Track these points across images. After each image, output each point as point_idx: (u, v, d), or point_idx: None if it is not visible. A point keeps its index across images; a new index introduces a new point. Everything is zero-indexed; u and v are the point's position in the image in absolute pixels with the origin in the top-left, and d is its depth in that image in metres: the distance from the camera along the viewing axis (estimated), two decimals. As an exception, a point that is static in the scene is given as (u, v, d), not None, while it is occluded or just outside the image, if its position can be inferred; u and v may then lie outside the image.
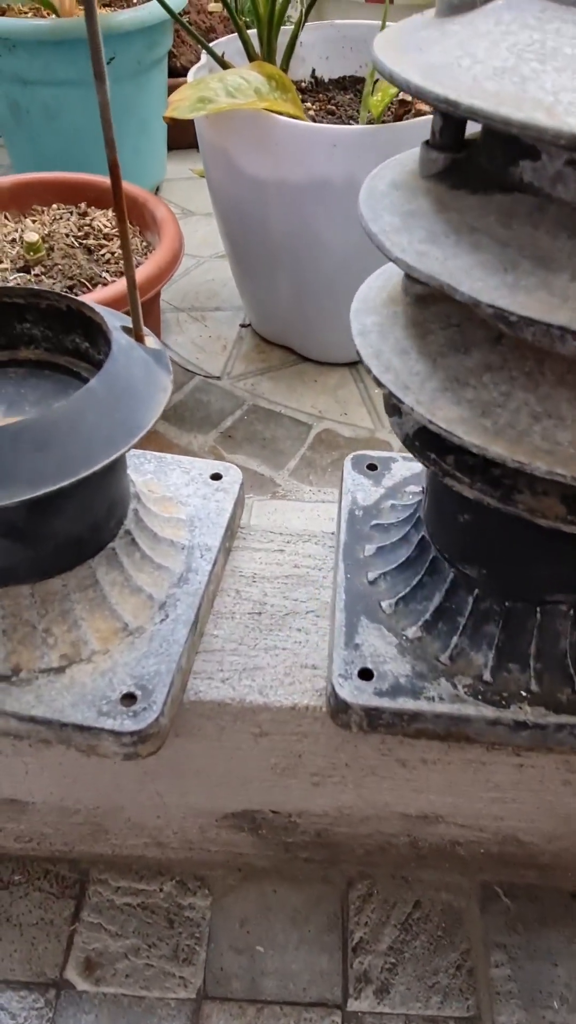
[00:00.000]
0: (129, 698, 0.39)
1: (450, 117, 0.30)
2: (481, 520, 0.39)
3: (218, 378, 0.84)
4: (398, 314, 0.34)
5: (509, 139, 0.28)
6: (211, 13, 1.28)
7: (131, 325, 0.39)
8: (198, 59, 0.85)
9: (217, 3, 1.28)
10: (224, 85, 0.61)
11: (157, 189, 1.30)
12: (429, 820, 0.51)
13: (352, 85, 0.89)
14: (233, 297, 0.94)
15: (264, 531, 0.53)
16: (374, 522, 0.49)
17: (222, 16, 1.26)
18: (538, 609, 0.40)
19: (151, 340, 0.40)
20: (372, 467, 0.54)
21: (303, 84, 0.87)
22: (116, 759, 0.39)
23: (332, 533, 0.52)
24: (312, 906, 0.57)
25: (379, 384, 0.32)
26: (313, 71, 0.89)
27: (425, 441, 0.36)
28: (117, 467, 0.40)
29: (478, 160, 0.30)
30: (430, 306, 0.34)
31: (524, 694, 0.40)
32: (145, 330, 0.40)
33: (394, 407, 0.38)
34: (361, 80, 0.89)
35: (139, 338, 0.39)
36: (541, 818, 0.50)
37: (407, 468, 0.53)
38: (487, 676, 0.40)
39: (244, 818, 0.52)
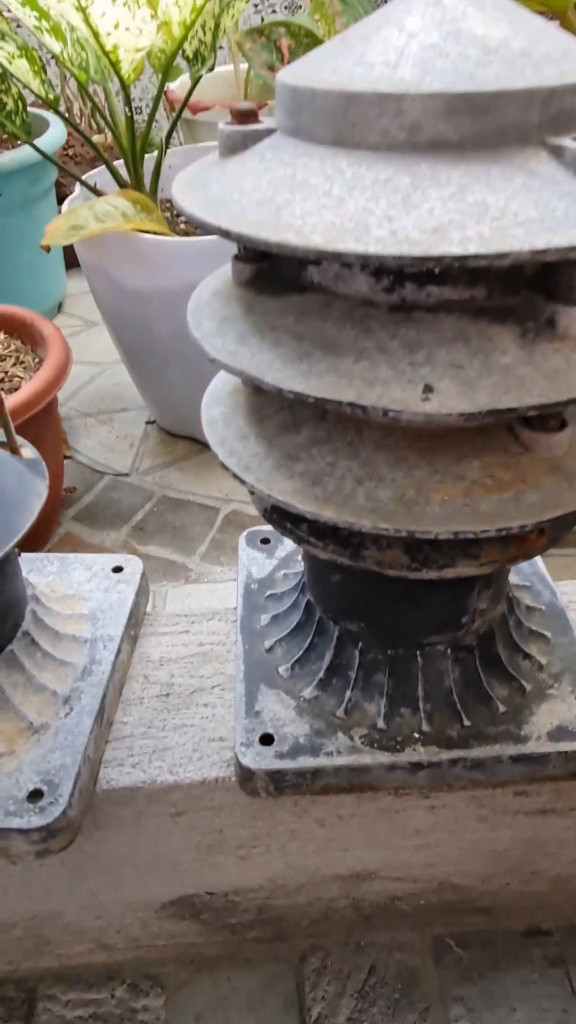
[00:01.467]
0: (36, 795, 0.40)
1: (250, 235, 0.34)
2: (349, 578, 0.42)
3: (127, 475, 0.88)
4: (240, 403, 0.38)
5: (298, 249, 0.33)
6: (97, 143, 1.39)
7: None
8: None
9: (100, 135, 1.39)
10: (93, 212, 0.67)
11: (60, 305, 1.36)
12: (362, 878, 0.52)
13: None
14: (137, 398, 0.99)
15: (169, 615, 0.55)
16: (268, 592, 0.52)
17: (106, 145, 1.37)
18: (418, 653, 0.43)
19: (27, 451, 0.43)
20: (265, 541, 0.57)
21: (177, 200, 0.94)
22: (29, 858, 0.39)
23: (235, 608, 0.55)
24: (267, 988, 0.57)
25: (225, 467, 0.36)
26: (185, 188, 0.97)
27: (280, 513, 0.39)
28: (5, 572, 0.42)
29: (279, 267, 0.35)
30: (265, 393, 0.38)
31: (417, 736, 0.42)
32: (21, 441, 0.43)
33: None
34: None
35: (14, 450, 0.42)
36: (468, 859, 0.51)
37: (298, 538, 0.57)
38: (381, 724, 0.43)
39: (182, 905, 0.52)
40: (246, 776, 0.42)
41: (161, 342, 0.79)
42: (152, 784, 0.44)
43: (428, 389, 0.28)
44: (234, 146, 0.32)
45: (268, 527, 0.59)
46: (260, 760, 0.41)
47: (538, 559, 0.55)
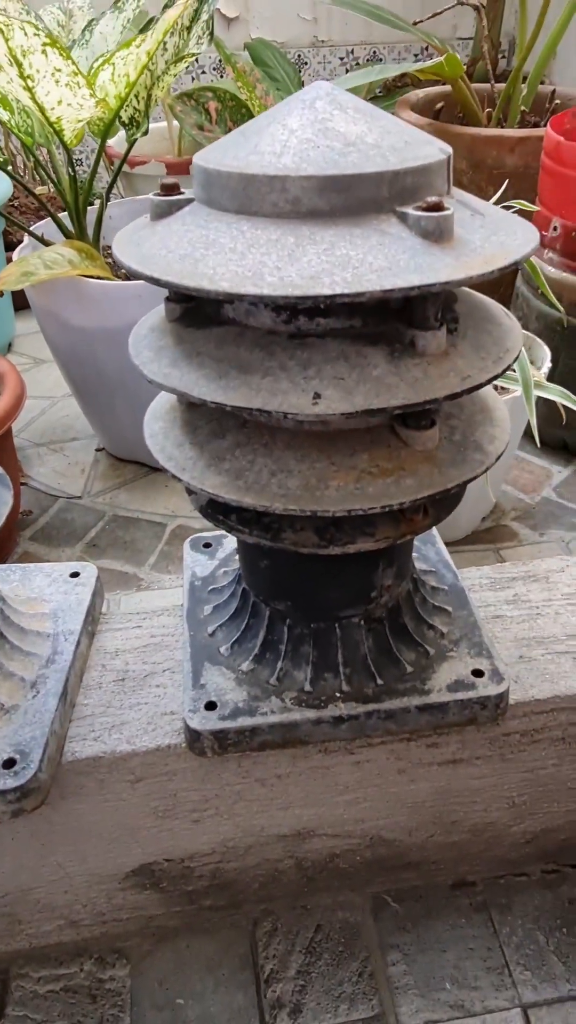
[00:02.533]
0: (9, 763, 0.46)
1: (178, 281, 0.43)
2: (275, 563, 0.50)
3: (79, 497, 0.94)
4: (176, 418, 0.46)
5: (216, 291, 0.41)
6: (40, 195, 1.47)
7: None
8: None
9: (44, 187, 1.47)
10: (42, 260, 0.75)
11: (10, 345, 1.43)
12: (303, 836, 0.58)
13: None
14: (86, 427, 1.06)
15: (123, 614, 0.62)
16: (211, 587, 0.59)
17: (49, 196, 1.45)
18: (337, 626, 0.51)
19: (-7, 467, 0.49)
20: (207, 545, 0.64)
21: (118, 247, 1.03)
22: (5, 818, 0.45)
23: (182, 605, 0.62)
24: (224, 951, 0.63)
25: (165, 470, 0.43)
26: (125, 236, 1.06)
27: (214, 509, 0.47)
28: (-23, 572, 0.49)
29: (202, 306, 0.43)
30: (197, 408, 0.46)
31: (338, 695, 0.50)
32: (-12, 460, 0.50)
33: (189, 489, 0.49)
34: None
35: (-18, 466, 0.48)
36: (394, 811, 0.58)
37: (236, 541, 0.64)
38: (308, 687, 0.50)
39: (143, 874, 0.58)
40: (194, 738, 0.49)
41: (107, 375, 0.86)
42: (112, 754, 0.50)
43: (317, 396, 0.36)
44: (161, 213, 0.40)
45: (209, 533, 0.66)
46: (205, 722, 0.48)
47: (444, 550, 0.64)
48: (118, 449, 1.02)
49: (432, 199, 0.35)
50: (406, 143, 0.37)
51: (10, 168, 1.19)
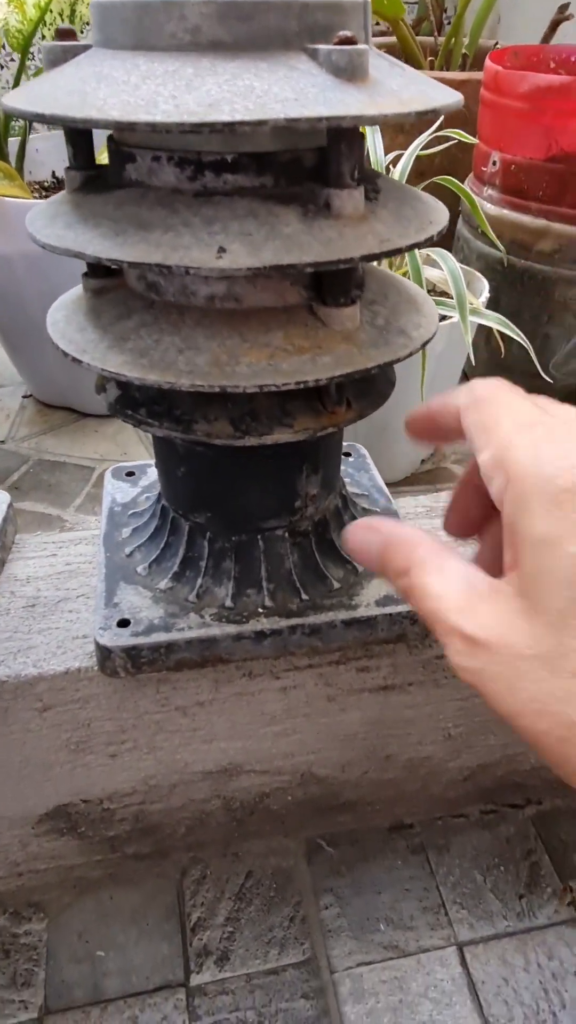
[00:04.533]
0: None
1: (78, 145, 0.39)
2: (192, 468, 0.46)
3: (2, 442, 0.89)
4: (80, 306, 0.43)
5: (118, 151, 0.37)
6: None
7: None
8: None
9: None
10: (-44, 180, 0.70)
11: None
12: (230, 772, 0.55)
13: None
14: (13, 375, 1.01)
15: (38, 542, 0.58)
16: (131, 512, 0.56)
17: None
18: (260, 538, 0.48)
19: None
20: (130, 474, 0.61)
21: (46, 183, 0.99)
22: None
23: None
24: (149, 901, 0.59)
25: (65, 354, 0.40)
26: (53, 172, 1.02)
27: (123, 404, 0.43)
28: None
29: (104, 173, 0.39)
30: (104, 295, 0.42)
31: (261, 610, 0.47)
32: None
33: (99, 386, 0.46)
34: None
35: None
36: (326, 745, 0.56)
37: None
38: (229, 603, 0.47)
39: (59, 817, 0.54)
40: (104, 656, 0.45)
41: (33, 311, 0.82)
42: (17, 678, 0.47)
43: (221, 250, 0.33)
44: (55, 60, 0.36)
45: (133, 463, 0.62)
46: (117, 639, 0.45)
47: (379, 477, 0.61)
48: (46, 395, 0.98)
49: (345, 33, 0.32)
50: (318, -21, 0.34)
51: None
